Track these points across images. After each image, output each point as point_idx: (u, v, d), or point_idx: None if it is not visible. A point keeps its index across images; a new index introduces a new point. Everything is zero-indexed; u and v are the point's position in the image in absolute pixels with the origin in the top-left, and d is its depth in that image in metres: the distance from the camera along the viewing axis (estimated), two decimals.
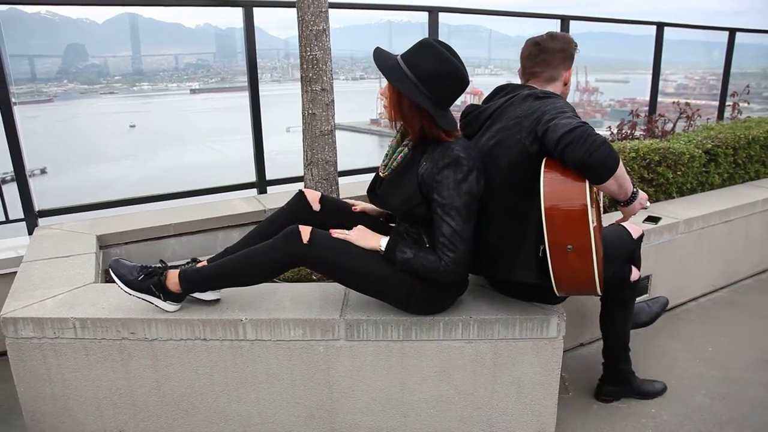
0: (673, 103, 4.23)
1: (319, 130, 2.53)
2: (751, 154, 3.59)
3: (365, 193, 1.90)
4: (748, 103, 4.94)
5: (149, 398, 1.87)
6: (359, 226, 1.77)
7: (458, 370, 1.86)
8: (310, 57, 2.43)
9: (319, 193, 1.97)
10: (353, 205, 2.01)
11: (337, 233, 1.73)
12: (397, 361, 1.84)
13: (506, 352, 1.85)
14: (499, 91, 1.87)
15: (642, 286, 2.76)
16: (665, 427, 2.10)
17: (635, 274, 2.09)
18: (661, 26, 4.87)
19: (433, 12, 3.76)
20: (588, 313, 2.51)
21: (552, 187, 1.54)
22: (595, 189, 1.65)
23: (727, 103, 5.22)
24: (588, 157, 1.46)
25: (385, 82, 1.67)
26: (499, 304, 1.89)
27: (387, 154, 1.80)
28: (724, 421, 2.14)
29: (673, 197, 3.26)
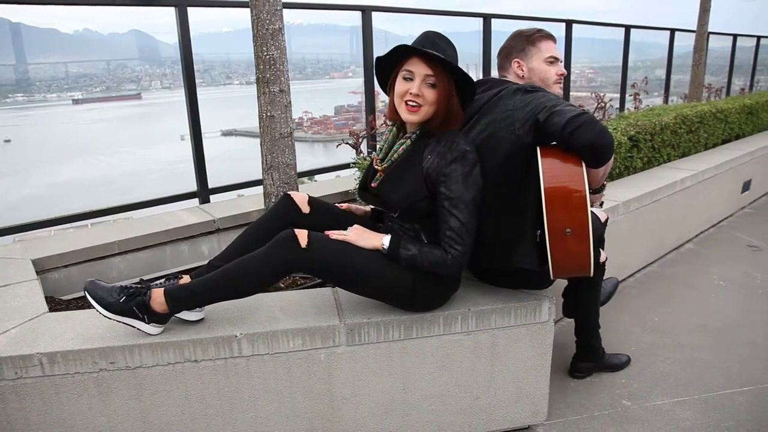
0: (592, 93, 4.55)
1: (278, 132, 2.44)
2: (664, 139, 3.95)
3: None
4: (647, 93, 5.43)
5: None
6: (355, 225, 1.72)
7: (458, 363, 1.87)
8: (267, 57, 2.33)
9: (307, 195, 1.86)
10: (339, 204, 1.95)
11: (335, 234, 1.66)
12: (398, 361, 1.82)
13: (503, 341, 1.88)
14: (481, 84, 1.91)
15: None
16: (638, 394, 2.25)
17: (603, 256, 2.21)
18: (570, 23, 5.22)
19: (367, 11, 3.77)
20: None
21: (552, 171, 1.58)
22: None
23: (628, 94, 5.71)
24: (599, 140, 1.53)
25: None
26: (490, 294, 1.92)
27: (381, 148, 1.77)
28: (685, 382, 2.33)
29: (605, 182, 3.49)
